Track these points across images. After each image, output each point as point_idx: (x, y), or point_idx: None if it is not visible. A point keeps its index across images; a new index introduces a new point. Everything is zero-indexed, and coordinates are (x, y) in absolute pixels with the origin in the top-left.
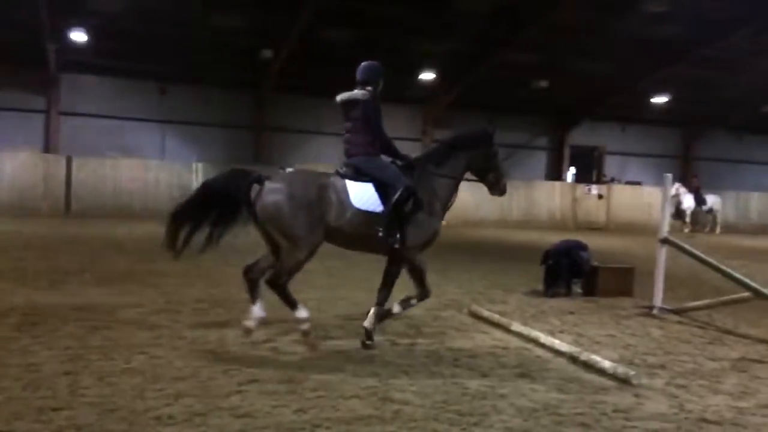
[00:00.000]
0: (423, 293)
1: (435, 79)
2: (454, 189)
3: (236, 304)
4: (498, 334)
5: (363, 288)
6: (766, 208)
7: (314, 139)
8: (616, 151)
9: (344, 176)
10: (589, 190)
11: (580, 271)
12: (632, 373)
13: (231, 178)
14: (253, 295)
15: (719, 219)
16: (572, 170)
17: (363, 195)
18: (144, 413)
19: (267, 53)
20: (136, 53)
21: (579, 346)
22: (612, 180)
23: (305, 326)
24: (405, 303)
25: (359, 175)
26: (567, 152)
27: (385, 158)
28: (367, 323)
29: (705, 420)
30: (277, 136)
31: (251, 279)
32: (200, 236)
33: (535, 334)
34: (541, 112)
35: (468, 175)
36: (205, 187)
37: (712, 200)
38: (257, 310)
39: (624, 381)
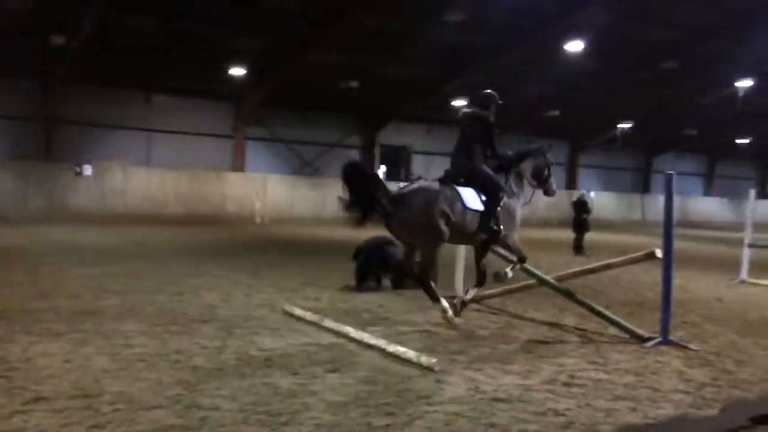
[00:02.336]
0: (521, 258)
1: (246, 75)
2: (530, 189)
3: (21, 315)
4: (311, 331)
5: (167, 291)
6: (549, 204)
7: (117, 135)
8: (423, 150)
9: (457, 184)
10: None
11: (389, 266)
12: (434, 360)
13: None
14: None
15: None
16: (383, 168)
17: (471, 198)
18: None
19: (58, 39)
20: None
21: (387, 338)
22: (419, 178)
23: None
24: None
25: (465, 183)
26: (378, 151)
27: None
28: (467, 297)
29: (497, 399)
30: (71, 129)
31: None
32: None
33: (346, 329)
34: (352, 111)
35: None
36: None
37: None
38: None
39: (427, 369)
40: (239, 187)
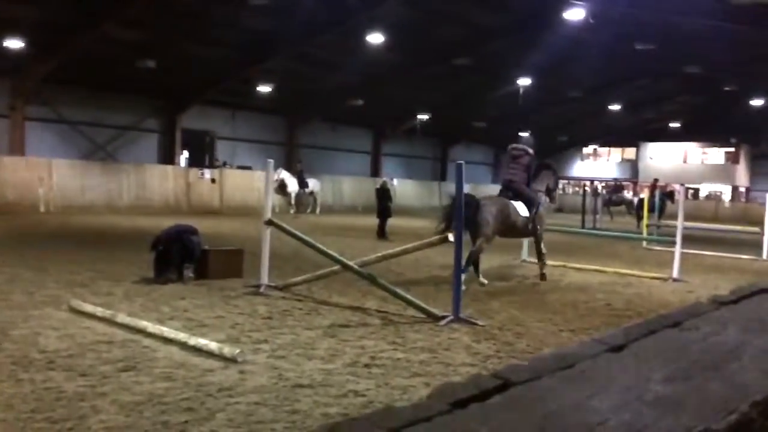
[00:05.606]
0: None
1: (25, 48)
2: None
3: None
4: (102, 328)
5: None
6: (355, 191)
7: None
8: (227, 136)
9: (511, 198)
10: (203, 174)
11: (191, 256)
12: (237, 351)
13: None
14: (477, 270)
15: (319, 200)
16: (185, 154)
17: (522, 208)
18: None
19: None
20: None
21: (188, 331)
22: (224, 164)
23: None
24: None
25: (516, 197)
26: (179, 136)
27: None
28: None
29: (300, 385)
30: None
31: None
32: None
33: (143, 323)
34: (149, 92)
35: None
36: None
37: (312, 184)
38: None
39: (230, 360)
40: (19, 173)
